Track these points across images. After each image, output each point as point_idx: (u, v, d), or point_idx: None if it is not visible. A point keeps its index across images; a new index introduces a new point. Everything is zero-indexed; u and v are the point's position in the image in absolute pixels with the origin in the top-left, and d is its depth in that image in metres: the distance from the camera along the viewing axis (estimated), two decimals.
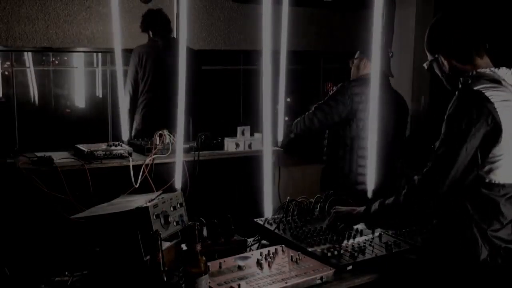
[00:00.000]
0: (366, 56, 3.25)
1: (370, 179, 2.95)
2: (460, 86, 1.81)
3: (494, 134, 1.69)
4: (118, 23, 3.52)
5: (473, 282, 1.79)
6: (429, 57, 1.96)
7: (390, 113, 3.19)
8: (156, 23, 4.23)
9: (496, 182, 1.74)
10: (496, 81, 1.76)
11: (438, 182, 1.74)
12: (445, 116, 1.77)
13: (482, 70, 1.80)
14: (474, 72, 1.81)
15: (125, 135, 3.67)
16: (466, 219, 1.77)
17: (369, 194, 2.95)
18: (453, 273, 1.82)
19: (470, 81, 1.77)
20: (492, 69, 1.80)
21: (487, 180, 1.75)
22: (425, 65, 1.98)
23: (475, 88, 1.73)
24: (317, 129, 3.28)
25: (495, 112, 1.67)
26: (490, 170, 1.74)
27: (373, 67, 2.91)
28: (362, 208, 2.04)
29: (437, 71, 1.95)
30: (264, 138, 2.84)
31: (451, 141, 1.73)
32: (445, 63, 1.89)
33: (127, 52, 4.19)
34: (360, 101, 3.16)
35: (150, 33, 4.26)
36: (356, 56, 3.39)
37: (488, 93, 1.70)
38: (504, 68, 1.81)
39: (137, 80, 4.22)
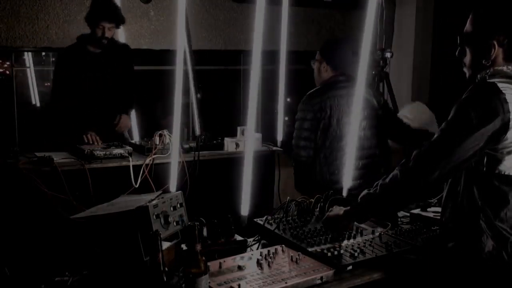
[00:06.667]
0: (326, 59, 3.11)
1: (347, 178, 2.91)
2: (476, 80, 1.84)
3: (503, 124, 1.70)
4: None
5: (476, 278, 1.77)
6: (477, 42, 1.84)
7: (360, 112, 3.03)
8: None
9: (506, 173, 1.75)
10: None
11: (435, 162, 1.75)
12: (456, 104, 1.77)
13: (500, 67, 1.82)
14: (492, 70, 1.82)
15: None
16: (474, 209, 1.78)
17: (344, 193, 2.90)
18: (455, 268, 1.81)
19: (487, 77, 1.80)
20: (510, 66, 1.81)
21: (496, 171, 1.76)
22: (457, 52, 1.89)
23: (490, 80, 1.77)
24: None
25: (505, 102, 1.70)
26: (499, 161, 1.75)
27: (361, 69, 2.83)
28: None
29: (471, 59, 1.86)
30: (247, 137, 2.81)
31: (457, 126, 1.75)
32: (494, 51, 1.81)
33: None
34: (323, 117, 3.04)
35: None
36: (316, 57, 3.18)
37: (500, 85, 1.73)
38: None
39: None
